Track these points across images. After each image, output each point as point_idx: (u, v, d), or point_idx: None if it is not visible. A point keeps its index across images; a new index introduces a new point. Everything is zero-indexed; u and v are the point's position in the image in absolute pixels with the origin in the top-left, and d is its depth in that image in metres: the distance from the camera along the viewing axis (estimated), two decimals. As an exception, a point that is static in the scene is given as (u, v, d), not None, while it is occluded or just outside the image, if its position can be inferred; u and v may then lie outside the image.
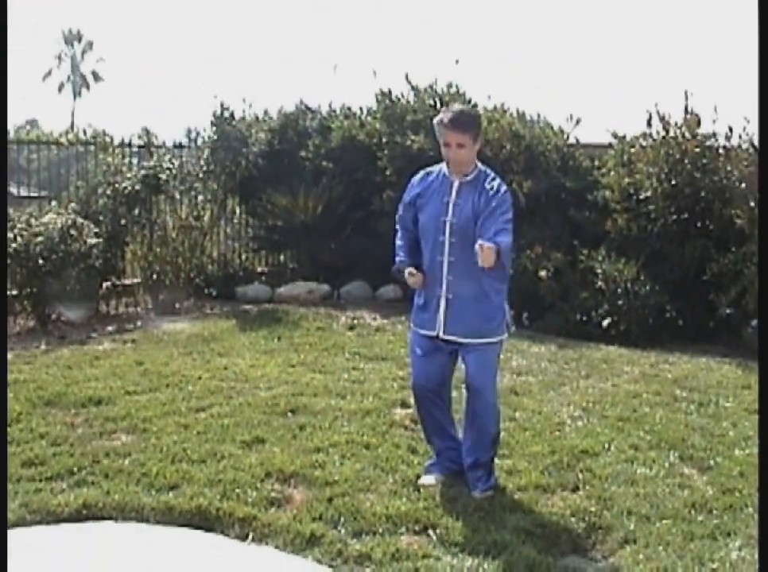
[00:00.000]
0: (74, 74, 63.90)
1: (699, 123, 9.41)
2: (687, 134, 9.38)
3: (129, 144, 11.31)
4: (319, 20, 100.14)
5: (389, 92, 11.48)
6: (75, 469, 4.81)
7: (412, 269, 4.58)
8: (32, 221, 9.20)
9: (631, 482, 4.74)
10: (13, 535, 3.97)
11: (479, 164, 4.57)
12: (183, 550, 4.00)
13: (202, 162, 11.39)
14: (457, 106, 4.74)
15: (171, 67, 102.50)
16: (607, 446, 5.32)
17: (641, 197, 9.51)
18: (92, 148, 11.08)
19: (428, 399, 4.66)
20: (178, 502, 4.37)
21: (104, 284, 9.98)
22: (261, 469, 4.80)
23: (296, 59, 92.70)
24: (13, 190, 12.44)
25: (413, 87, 11.34)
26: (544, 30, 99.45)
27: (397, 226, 4.82)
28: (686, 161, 9.29)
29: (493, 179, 4.49)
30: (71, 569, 3.81)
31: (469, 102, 11.27)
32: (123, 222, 10.17)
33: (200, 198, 11.34)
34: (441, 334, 4.52)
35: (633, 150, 9.83)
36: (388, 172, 10.63)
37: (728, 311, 8.68)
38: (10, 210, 9.32)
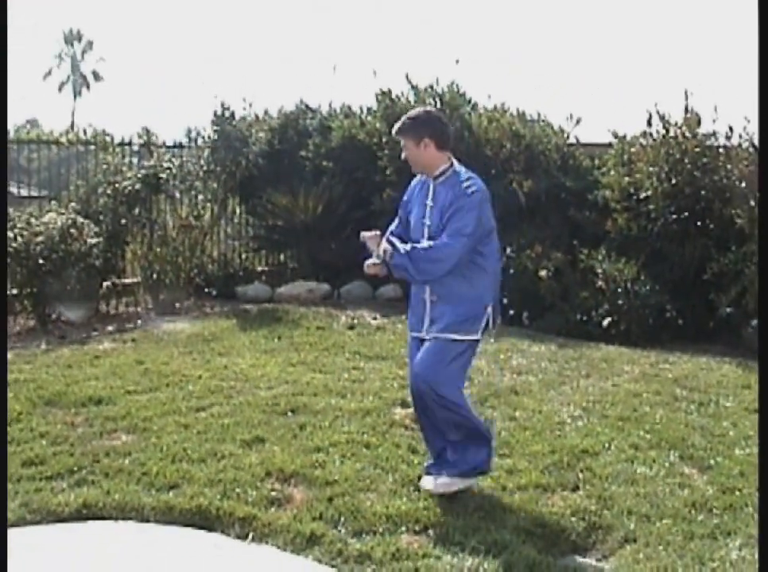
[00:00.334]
0: (74, 73, 63.88)
1: (699, 123, 9.42)
2: (687, 134, 9.39)
3: (130, 144, 11.32)
4: (319, 20, 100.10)
5: (390, 92, 11.49)
6: (76, 468, 4.81)
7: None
8: (33, 220, 9.21)
9: (631, 482, 4.73)
10: (14, 535, 3.97)
11: (455, 165, 4.54)
12: (183, 550, 4.00)
13: (202, 161, 11.40)
14: (411, 111, 4.70)
15: (171, 67, 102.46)
16: (607, 445, 5.32)
17: (642, 196, 9.51)
18: (92, 147, 11.10)
19: (424, 400, 4.65)
20: (178, 501, 4.36)
21: (104, 284, 9.99)
22: (262, 469, 4.80)
23: (296, 60, 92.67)
24: (13, 189, 12.44)
25: (413, 87, 11.35)
26: (544, 30, 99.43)
27: None
28: (686, 161, 9.30)
29: (467, 180, 4.44)
30: (72, 568, 3.81)
31: (469, 101, 11.29)
32: (123, 221, 10.17)
33: (200, 197, 11.36)
34: (425, 335, 4.54)
35: (633, 150, 9.84)
36: (388, 172, 10.64)
37: (728, 310, 8.68)
38: (10, 210, 9.33)
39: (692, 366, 7.62)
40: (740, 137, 9.16)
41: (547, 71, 79.85)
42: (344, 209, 11.22)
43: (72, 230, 9.21)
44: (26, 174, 12.34)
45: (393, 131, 4.61)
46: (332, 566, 3.80)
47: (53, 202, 10.26)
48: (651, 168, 9.48)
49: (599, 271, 9.22)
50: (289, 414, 5.90)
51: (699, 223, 9.31)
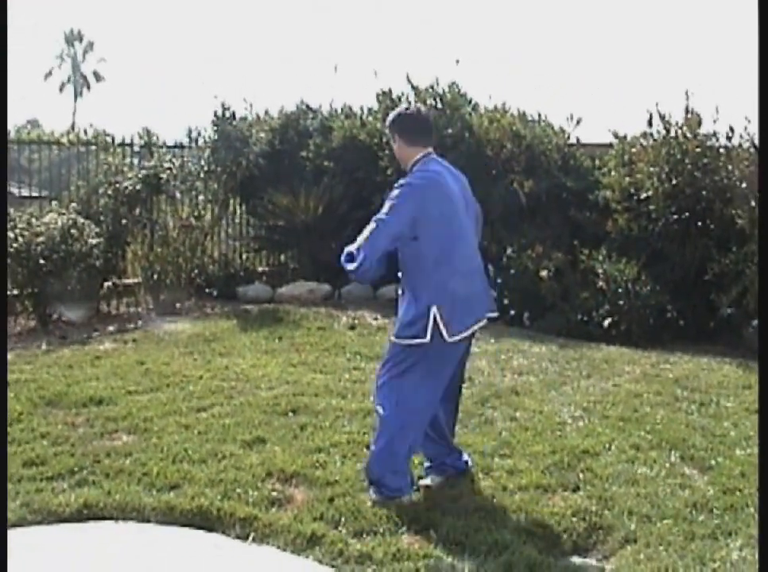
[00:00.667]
0: (75, 74, 63.92)
1: (700, 123, 9.42)
2: (688, 134, 9.39)
3: (131, 144, 11.33)
4: (319, 20, 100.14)
5: (390, 92, 11.50)
6: (76, 468, 4.81)
7: None
8: (33, 221, 9.22)
9: (632, 482, 4.73)
10: (14, 535, 3.97)
11: (426, 160, 4.53)
12: (184, 550, 4.00)
13: (203, 162, 11.41)
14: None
15: (171, 67, 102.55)
16: (607, 446, 5.32)
17: (642, 197, 9.51)
18: (93, 148, 11.11)
19: None
20: (179, 502, 4.36)
21: (105, 284, 10.00)
22: (262, 469, 4.80)
23: (297, 60, 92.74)
24: (14, 190, 12.45)
25: (413, 87, 11.35)
26: (544, 30, 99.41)
27: None
28: (687, 161, 9.30)
29: (413, 174, 4.48)
30: (72, 569, 3.81)
31: (470, 102, 11.29)
32: (124, 221, 10.18)
33: (201, 198, 11.37)
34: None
35: (634, 150, 9.84)
36: (389, 172, 10.63)
37: (729, 310, 8.68)
38: (11, 210, 9.34)
39: (693, 366, 7.62)
40: (741, 137, 9.16)
41: (547, 71, 79.89)
42: (345, 209, 11.22)
43: (73, 231, 9.21)
44: (27, 174, 12.35)
45: None
46: (333, 567, 3.80)
47: (54, 202, 10.28)
48: (652, 169, 9.47)
49: (600, 271, 9.22)
50: (290, 414, 5.90)
51: (700, 223, 9.31)
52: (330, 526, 4.13)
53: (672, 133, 9.51)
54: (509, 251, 9.81)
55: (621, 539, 4.08)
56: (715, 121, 9.41)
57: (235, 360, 7.52)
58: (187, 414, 5.87)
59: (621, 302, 8.92)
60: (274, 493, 4.49)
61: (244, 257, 12.43)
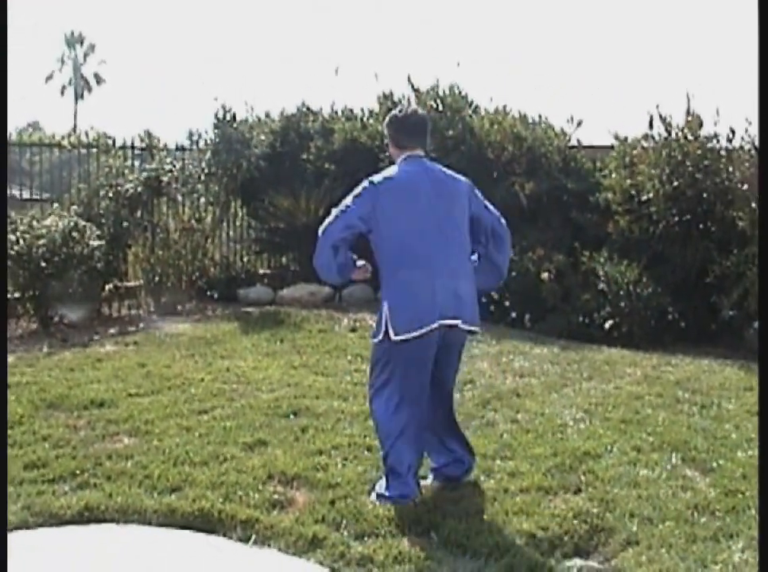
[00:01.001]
0: (76, 76, 63.95)
1: (701, 125, 9.42)
2: (689, 136, 9.39)
3: (132, 147, 11.34)
4: (319, 20, 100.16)
5: (391, 94, 11.51)
6: (78, 471, 4.81)
7: None
8: (35, 223, 9.22)
9: (633, 484, 4.73)
10: (16, 538, 3.97)
11: (402, 162, 4.61)
12: (185, 553, 4.00)
13: (204, 164, 11.42)
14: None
15: (173, 70, 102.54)
16: (609, 448, 5.31)
17: (643, 199, 9.51)
18: (94, 150, 11.11)
19: None
20: (180, 504, 4.36)
21: (106, 287, 9.99)
22: (264, 472, 4.80)
23: (297, 60, 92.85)
24: (15, 192, 12.45)
25: (414, 89, 11.35)
26: (545, 30, 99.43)
27: None
28: (688, 163, 9.30)
29: (379, 173, 4.62)
30: (74, 571, 3.81)
31: (471, 104, 11.29)
32: (125, 224, 10.17)
33: (202, 200, 11.39)
34: None
35: (634, 152, 9.84)
36: (390, 174, 10.62)
37: (730, 313, 8.68)
38: (12, 213, 9.35)
39: (694, 369, 7.62)
40: (742, 139, 9.16)
41: (547, 71, 79.98)
42: (346, 211, 11.19)
43: (74, 233, 9.21)
44: (28, 177, 12.34)
45: None
46: (334, 569, 3.80)
47: (55, 205, 10.27)
48: (653, 171, 9.47)
49: (601, 273, 9.22)
50: (291, 417, 5.90)
51: (701, 225, 9.31)
52: (331, 528, 4.13)
53: (673, 135, 9.51)
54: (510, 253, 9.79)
55: (622, 541, 4.07)
56: (716, 123, 9.42)
57: (236, 362, 7.52)
58: (188, 416, 5.87)
59: (622, 304, 8.92)
60: (275, 496, 4.49)
61: (245, 259, 12.43)
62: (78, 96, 64.05)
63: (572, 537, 4.11)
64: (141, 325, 9.47)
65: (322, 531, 4.07)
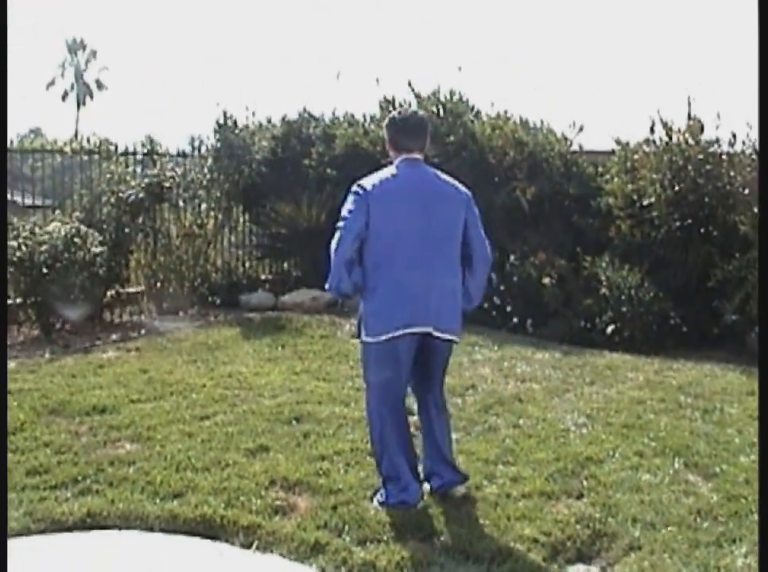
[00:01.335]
0: (78, 82, 64.07)
1: (702, 129, 9.42)
2: (690, 140, 9.39)
3: (134, 153, 11.35)
4: (319, 20, 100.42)
5: (393, 99, 11.50)
6: (80, 477, 4.81)
7: None
8: (37, 229, 9.22)
9: (636, 489, 4.73)
10: (18, 544, 3.97)
11: (393, 165, 4.66)
12: (187, 559, 4.00)
13: (205, 170, 11.43)
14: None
15: (175, 77, 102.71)
16: (611, 453, 5.31)
17: (645, 203, 9.51)
18: (96, 156, 11.11)
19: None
20: (182, 510, 4.36)
21: (108, 292, 9.99)
22: (266, 477, 4.80)
23: (298, 61, 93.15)
24: (17, 198, 12.46)
25: (416, 95, 11.36)
26: (544, 30, 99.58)
27: None
28: (689, 167, 9.30)
29: (363, 179, 4.63)
30: (76, 577, 3.81)
31: (472, 109, 11.29)
32: (127, 230, 10.18)
33: (204, 206, 11.39)
34: None
35: (636, 156, 9.84)
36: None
37: (733, 317, 8.68)
38: (14, 219, 9.36)
39: (697, 373, 7.61)
40: (743, 143, 9.16)
41: (547, 72, 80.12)
42: (348, 217, 11.19)
43: (76, 239, 9.21)
44: (30, 183, 12.33)
45: None
46: (337, 575, 3.80)
47: (57, 211, 10.28)
48: (654, 175, 9.48)
49: (603, 278, 9.22)
50: (293, 422, 5.90)
51: (702, 230, 9.30)
52: (334, 534, 4.13)
53: (675, 140, 9.51)
54: (511, 258, 9.80)
55: (625, 546, 4.07)
56: (717, 128, 9.42)
57: (238, 368, 7.52)
58: (190, 422, 5.87)
59: (624, 308, 8.91)
60: (278, 501, 4.49)
61: (247, 264, 12.43)
62: (80, 102, 64.17)
63: (575, 542, 4.11)
64: (143, 331, 9.47)
65: (324, 537, 4.07)
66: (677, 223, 9.30)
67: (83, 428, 5.75)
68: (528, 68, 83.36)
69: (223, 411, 6.14)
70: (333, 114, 12.45)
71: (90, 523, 4.29)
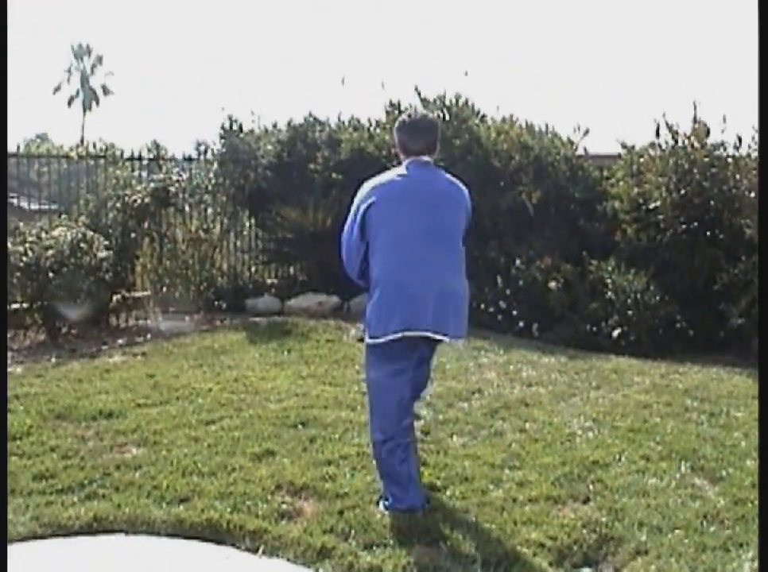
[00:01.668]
0: (84, 88, 64.24)
1: (707, 133, 9.42)
2: (696, 144, 9.39)
3: (139, 158, 11.38)
4: (322, 24, 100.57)
5: (398, 104, 11.52)
6: (86, 482, 4.82)
7: None
8: (43, 234, 9.24)
9: (642, 493, 4.72)
10: (24, 549, 3.98)
11: (400, 167, 4.66)
12: (194, 564, 4.00)
13: (211, 175, 11.44)
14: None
15: (181, 82, 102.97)
16: (617, 457, 5.30)
17: (651, 207, 9.50)
18: (102, 161, 11.16)
19: None
20: (189, 515, 4.37)
21: (114, 297, 10.00)
22: (272, 482, 4.80)
23: (300, 66, 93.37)
24: (23, 203, 12.50)
25: (421, 99, 11.36)
26: (544, 30, 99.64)
27: None
28: (695, 171, 9.29)
29: (368, 181, 4.67)
30: (83, 582, 3.82)
31: (478, 113, 11.30)
32: (133, 235, 10.20)
33: (210, 210, 11.41)
34: None
35: (641, 160, 9.84)
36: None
37: (739, 321, 8.67)
38: (21, 224, 9.39)
39: (703, 377, 7.60)
40: (749, 146, 9.16)
41: (547, 72, 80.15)
42: (353, 221, 11.20)
43: (82, 244, 9.24)
44: (36, 188, 12.39)
45: None
46: (343, 579, 3.80)
47: (63, 216, 10.31)
48: (660, 179, 9.47)
49: (609, 282, 9.21)
50: (300, 427, 5.90)
51: (708, 233, 9.30)
52: (340, 538, 4.13)
53: (680, 143, 9.51)
54: (517, 262, 9.80)
55: (632, 550, 4.06)
56: (722, 131, 9.42)
57: (244, 372, 7.53)
58: (196, 427, 5.87)
59: (630, 312, 8.90)
60: (284, 506, 4.49)
61: (253, 269, 12.44)
62: (86, 107, 64.34)
63: (581, 546, 4.10)
64: (149, 335, 9.48)
65: (330, 542, 4.07)
66: (683, 227, 9.29)
67: (89, 433, 5.76)
68: (528, 68, 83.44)
69: (229, 416, 6.14)
70: (339, 118, 12.47)
71: (96, 527, 4.30)
